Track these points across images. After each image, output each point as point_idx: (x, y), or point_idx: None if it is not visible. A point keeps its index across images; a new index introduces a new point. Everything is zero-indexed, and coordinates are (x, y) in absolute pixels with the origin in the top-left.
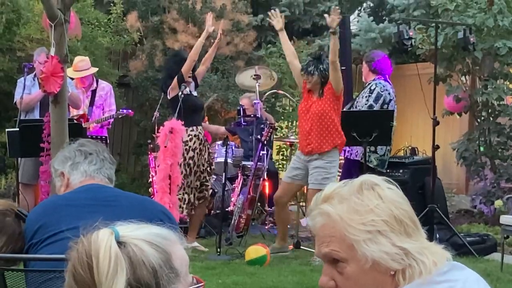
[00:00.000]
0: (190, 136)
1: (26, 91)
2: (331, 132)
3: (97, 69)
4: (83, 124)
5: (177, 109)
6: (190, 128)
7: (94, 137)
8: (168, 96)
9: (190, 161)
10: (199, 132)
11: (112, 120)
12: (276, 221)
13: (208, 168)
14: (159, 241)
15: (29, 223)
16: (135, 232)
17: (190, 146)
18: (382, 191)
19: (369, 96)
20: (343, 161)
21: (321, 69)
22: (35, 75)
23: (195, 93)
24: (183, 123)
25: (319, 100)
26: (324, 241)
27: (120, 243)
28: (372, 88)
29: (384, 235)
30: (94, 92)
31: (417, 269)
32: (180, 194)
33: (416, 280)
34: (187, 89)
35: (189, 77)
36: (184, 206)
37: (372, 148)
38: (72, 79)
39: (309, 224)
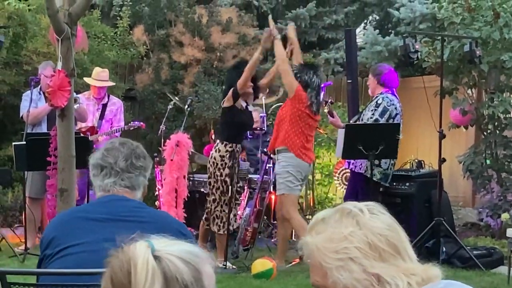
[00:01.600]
0: (228, 153)
1: (33, 105)
2: (281, 133)
3: (114, 83)
4: (90, 137)
5: (225, 121)
6: (230, 144)
7: None
8: (222, 104)
9: (227, 178)
10: (237, 150)
11: (120, 132)
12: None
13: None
14: (192, 258)
15: (45, 233)
16: (170, 247)
17: (226, 163)
18: (361, 218)
19: (375, 110)
20: (348, 173)
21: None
22: (40, 89)
23: (250, 108)
24: (225, 136)
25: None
26: (310, 270)
27: (155, 257)
28: (379, 102)
29: (355, 261)
30: (104, 106)
31: None
32: (217, 211)
33: None
34: (243, 103)
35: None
36: (221, 224)
37: (376, 162)
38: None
39: (300, 254)
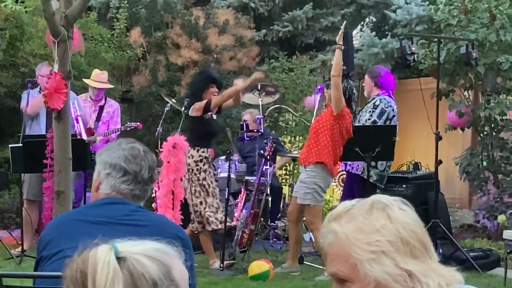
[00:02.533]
0: (201, 157)
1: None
2: (319, 147)
3: (113, 86)
4: (87, 139)
5: (195, 129)
6: (202, 150)
7: None
8: (189, 112)
9: (204, 182)
10: (209, 155)
11: (118, 133)
12: (289, 238)
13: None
14: (158, 255)
15: (43, 235)
16: (134, 247)
17: (201, 167)
18: (392, 212)
19: (372, 111)
20: (344, 175)
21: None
22: (40, 89)
23: (214, 117)
24: (196, 143)
25: (320, 116)
26: (332, 259)
27: (119, 259)
28: (377, 103)
29: (388, 255)
30: (101, 108)
31: None
32: (208, 211)
33: None
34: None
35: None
36: (215, 220)
37: (373, 163)
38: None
39: (321, 242)
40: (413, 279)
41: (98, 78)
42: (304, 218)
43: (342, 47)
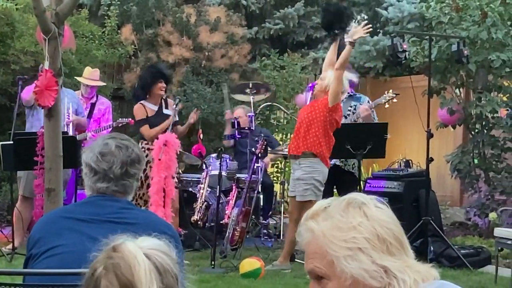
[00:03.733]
0: (144, 149)
1: None
2: (310, 138)
3: (105, 84)
4: (78, 136)
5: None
6: (145, 141)
7: None
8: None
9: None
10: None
11: (110, 130)
12: (286, 236)
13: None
14: (167, 250)
15: (32, 233)
16: (147, 243)
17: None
18: (368, 209)
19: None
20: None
21: None
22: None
23: (169, 112)
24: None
25: (312, 107)
26: (309, 257)
27: (144, 255)
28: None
29: (364, 252)
30: (93, 105)
31: (397, 287)
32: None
33: None
34: (154, 108)
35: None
36: None
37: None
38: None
39: (298, 240)
40: (389, 275)
41: (91, 76)
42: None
43: (355, 44)
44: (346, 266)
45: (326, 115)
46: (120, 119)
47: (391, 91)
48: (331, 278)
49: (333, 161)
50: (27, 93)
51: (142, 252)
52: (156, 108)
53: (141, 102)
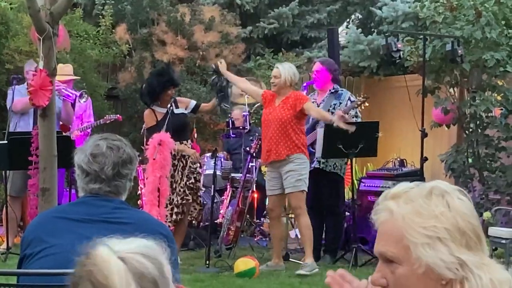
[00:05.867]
0: None
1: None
2: (295, 138)
3: (79, 77)
4: (64, 133)
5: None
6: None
7: None
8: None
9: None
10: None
11: (91, 127)
12: (271, 236)
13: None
14: (152, 252)
15: (26, 233)
16: (127, 246)
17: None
18: (451, 200)
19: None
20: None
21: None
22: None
23: (181, 111)
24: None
25: (281, 108)
26: (382, 238)
27: (120, 259)
28: (352, 98)
29: (443, 242)
30: (73, 102)
31: (474, 283)
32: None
33: None
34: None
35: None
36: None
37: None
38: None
39: (372, 218)
40: (465, 269)
41: (62, 71)
42: (291, 216)
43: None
44: (423, 253)
45: (300, 116)
46: (107, 115)
47: (362, 94)
48: (403, 263)
49: (313, 164)
50: (21, 107)
51: (116, 256)
52: (164, 110)
53: (151, 107)
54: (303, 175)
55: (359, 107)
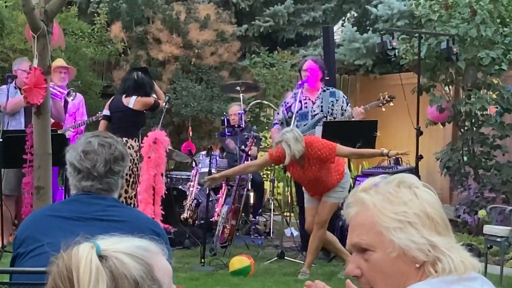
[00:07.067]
0: (139, 147)
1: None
2: (334, 171)
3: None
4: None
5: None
6: (137, 139)
7: None
8: (129, 105)
9: (140, 173)
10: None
11: (84, 125)
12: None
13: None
14: (140, 253)
15: (19, 232)
16: (116, 245)
17: (138, 158)
18: (418, 190)
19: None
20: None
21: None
22: (15, 84)
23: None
24: (132, 134)
25: (311, 168)
26: (354, 229)
27: (101, 257)
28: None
29: (413, 226)
30: (66, 100)
31: (446, 263)
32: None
33: (452, 275)
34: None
35: None
36: None
37: None
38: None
39: (344, 213)
40: (436, 251)
41: (59, 63)
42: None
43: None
44: (395, 236)
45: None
46: (99, 112)
47: (385, 93)
48: (377, 249)
49: None
50: (11, 108)
51: (95, 253)
52: None
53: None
54: (346, 188)
55: (382, 107)
